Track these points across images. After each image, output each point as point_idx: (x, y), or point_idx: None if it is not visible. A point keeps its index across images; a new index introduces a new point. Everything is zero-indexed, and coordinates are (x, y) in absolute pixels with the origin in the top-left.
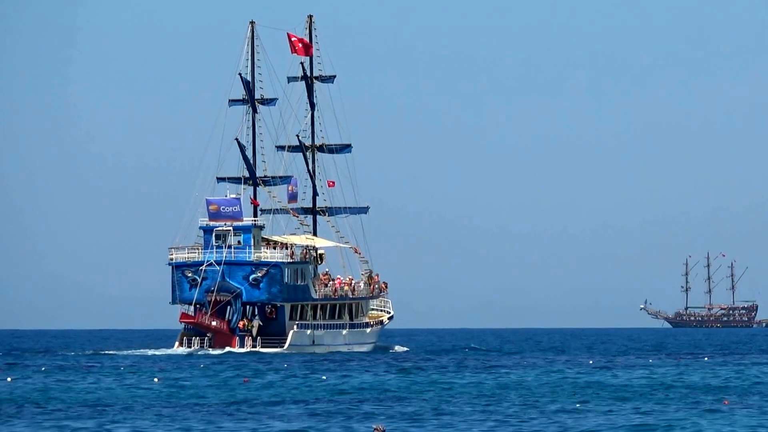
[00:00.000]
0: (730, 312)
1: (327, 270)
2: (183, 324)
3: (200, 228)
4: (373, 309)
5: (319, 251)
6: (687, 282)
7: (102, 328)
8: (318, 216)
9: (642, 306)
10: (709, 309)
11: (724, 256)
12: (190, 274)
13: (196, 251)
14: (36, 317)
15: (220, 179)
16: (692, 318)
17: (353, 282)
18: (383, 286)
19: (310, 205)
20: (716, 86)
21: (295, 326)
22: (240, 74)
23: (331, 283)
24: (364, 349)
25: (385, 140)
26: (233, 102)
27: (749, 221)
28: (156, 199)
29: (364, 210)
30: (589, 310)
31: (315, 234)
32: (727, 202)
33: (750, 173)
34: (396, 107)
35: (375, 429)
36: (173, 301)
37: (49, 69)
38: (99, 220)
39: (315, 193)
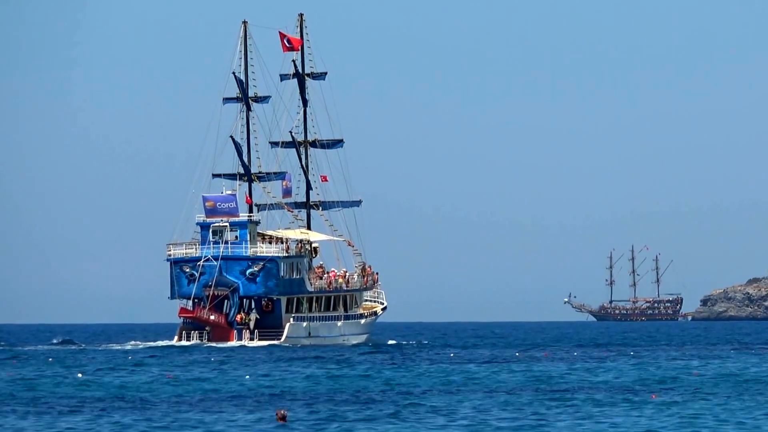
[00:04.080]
0: (655, 305)
1: (321, 263)
2: (182, 318)
3: (197, 224)
4: (366, 300)
5: (313, 245)
6: (611, 275)
7: (101, 323)
8: (312, 210)
9: (566, 300)
10: (633, 302)
11: (648, 249)
12: (188, 270)
13: (194, 247)
14: (32, 312)
15: (215, 175)
16: (617, 311)
17: (347, 274)
18: (376, 276)
19: (304, 200)
20: (646, 85)
21: (291, 319)
22: (234, 73)
23: (325, 275)
24: (360, 340)
25: (377, 135)
26: (227, 100)
27: (673, 215)
28: (153, 195)
29: (356, 203)
30: (510, 304)
31: (309, 228)
32: (651, 197)
33: (674, 169)
34: (387, 102)
35: (277, 412)
36: (172, 296)
37: (47, 66)
38: (97, 217)
39: (309, 188)
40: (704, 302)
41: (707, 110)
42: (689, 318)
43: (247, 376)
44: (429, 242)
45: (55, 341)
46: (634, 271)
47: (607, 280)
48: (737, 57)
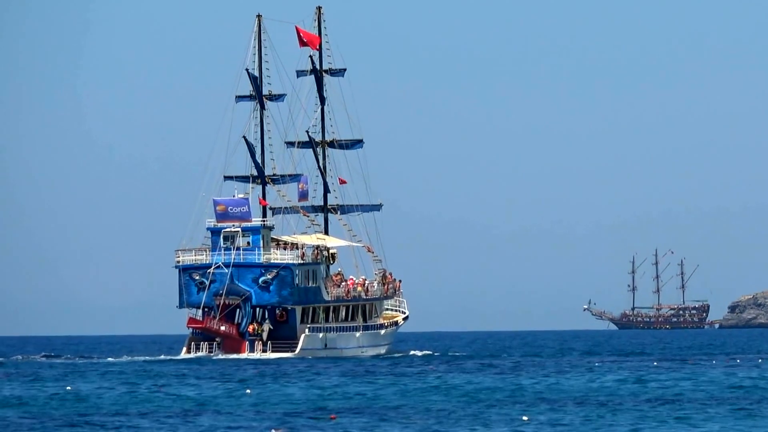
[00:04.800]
0: (680, 312)
1: (339, 270)
2: (190, 329)
3: (208, 229)
4: (387, 309)
5: (330, 251)
6: (633, 281)
7: (105, 335)
8: (329, 214)
9: (585, 306)
10: (657, 309)
11: (672, 253)
12: (197, 277)
13: (204, 253)
14: (35, 324)
15: (227, 178)
16: (639, 319)
17: (366, 282)
18: (397, 285)
19: (321, 203)
20: (669, 85)
21: (306, 329)
22: (247, 70)
23: (343, 284)
24: (379, 351)
25: (398, 135)
26: (240, 98)
27: (699, 218)
28: (161, 199)
29: (377, 207)
30: (525, 313)
31: (326, 233)
32: (677, 199)
33: (702, 168)
34: (409, 101)
35: None
36: (180, 305)
37: (54, 66)
38: (102, 222)
39: (326, 191)
40: (732, 309)
41: (737, 107)
42: (716, 326)
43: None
44: (447, 248)
45: (40, 355)
46: (657, 277)
47: (629, 286)
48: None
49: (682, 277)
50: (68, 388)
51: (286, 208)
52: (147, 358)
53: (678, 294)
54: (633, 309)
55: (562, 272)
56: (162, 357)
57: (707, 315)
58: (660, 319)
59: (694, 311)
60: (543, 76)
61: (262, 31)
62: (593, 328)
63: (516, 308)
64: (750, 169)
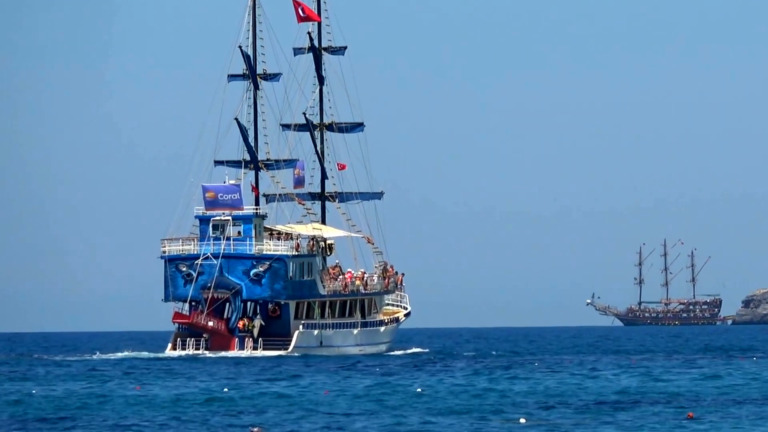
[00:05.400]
0: (691, 307)
1: (337, 262)
2: (176, 324)
3: (196, 217)
4: (388, 304)
5: (327, 242)
6: (641, 273)
7: (82, 331)
8: (327, 202)
9: (589, 301)
10: (666, 304)
11: (682, 243)
12: (184, 269)
13: (192, 243)
14: (10, 319)
15: (217, 163)
16: (647, 314)
17: (366, 275)
18: (399, 278)
19: (318, 191)
20: (672, 67)
21: (300, 326)
22: (240, 47)
23: (341, 277)
24: (379, 349)
25: (402, 118)
26: (232, 77)
27: (711, 206)
28: (146, 185)
29: (378, 195)
30: (522, 307)
31: (323, 222)
32: (687, 185)
33: (713, 153)
34: (413, 81)
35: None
36: (166, 299)
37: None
38: (82, 209)
39: (324, 177)
40: (746, 304)
41: (757, 90)
42: (729, 322)
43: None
44: (452, 239)
45: None
46: (666, 269)
47: (635, 279)
48: None
49: (692, 270)
50: (33, 391)
51: (280, 195)
52: (128, 353)
53: (688, 287)
54: (640, 304)
55: (563, 264)
56: (145, 354)
57: (719, 310)
58: (669, 315)
59: (705, 306)
60: (553, 56)
61: (256, 5)
62: (597, 324)
63: (513, 303)
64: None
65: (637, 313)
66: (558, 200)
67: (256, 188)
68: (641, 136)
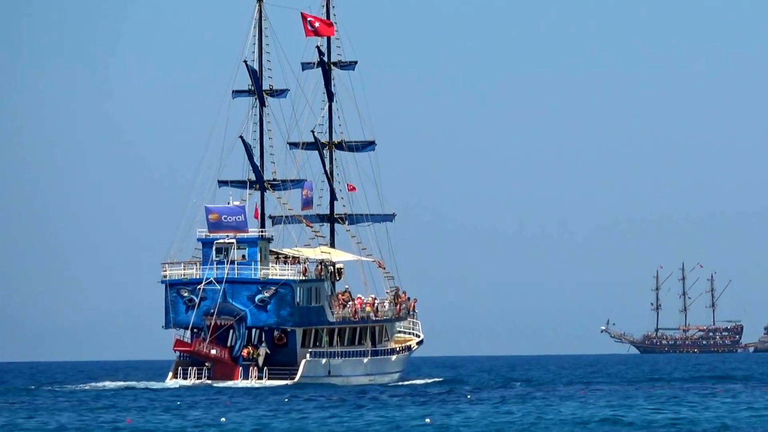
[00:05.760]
0: (710, 334)
1: (346, 288)
2: (177, 353)
3: (198, 240)
4: (399, 332)
5: (337, 266)
6: (657, 298)
7: (79, 360)
8: (336, 224)
9: (603, 328)
10: (684, 331)
11: (701, 267)
12: (186, 294)
13: (194, 267)
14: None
15: (221, 183)
16: (664, 341)
17: (376, 301)
18: (412, 304)
19: (327, 212)
20: (695, 84)
21: (308, 354)
22: (245, 61)
23: (350, 303)
24: (389, 379)
25: (415, 136)
26: (237, 93)
27: (732, 227)
28: (147, 205)
29: (389, 217)
30: (532, 333)
31: (332, 246)
32: (707, 205)
33: (735, 169)
34: (427, 98)
35: None
36: (166, 326)
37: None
38: (80, 231)
39: (333, 198)
40: None
41: None
42: (751, 349)
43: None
44: (463, 262)
45: None
46: (684, 294)
47: (652, 304)
48: None
49: (712, 294)
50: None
51: (287, 217)
52: (128, 383)
53: (708, 313)
54: (657, 330)
55: (575, 288)
56: (144, 384)
57: (741, 337)
58: (687, 342)
59: (726, 333)
60: (566, 71)
61: (262, 18)
62: (611, 351)
63: (520, 329)
64: None
65: (654, 341)
66: (570, 223)
67: (261, 210)
68: (659, 155)
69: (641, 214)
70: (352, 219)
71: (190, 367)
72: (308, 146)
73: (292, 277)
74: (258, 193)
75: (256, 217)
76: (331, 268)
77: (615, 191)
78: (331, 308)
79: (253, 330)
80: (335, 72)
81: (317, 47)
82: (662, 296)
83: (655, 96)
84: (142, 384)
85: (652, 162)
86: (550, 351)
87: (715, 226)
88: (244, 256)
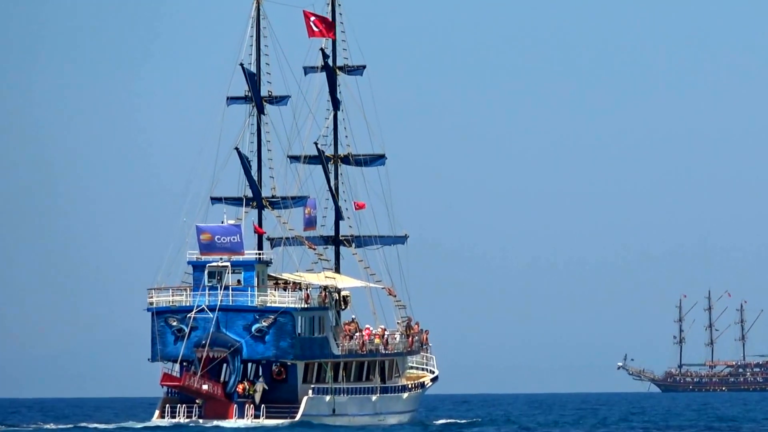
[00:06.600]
0: (740, 371)
1: (353, 317)
2: (165, 388)
3: (189, 263)
4: (411, 367)
5: (342, 293)
6: (681, 331)
7: (59, 397)
8: (342, 247)
9: (620, 364)
10: (711, 367)
11: (730, 296)
12: (175, 323)
13: (183, 293)
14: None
15: (214, 200)
16: (689, 379)
17: (386, 333)
18: (425, 336)
19: (332, 233)
20: (722, 110)
21: (310, 391)
22: (241, 64)
23: (357, 334)
24: (401, 419)
25: (429, 150)
26: (233, 100)
27: (763, 252)
28: (132, 225)
29: (401, 239)
30: (543, 369)
31: (337, 270)
32: (735, 229)
33: (762, 197)
34: (441, 107)
35: None
36: (153, 358)
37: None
38: (58, 252)
39: (338, 218)
40: None
41: None
42: None
43: None
44: (483, 291)
45: None
46: (711, 326)
47: (675, 338)
48: None
49: (741, 326)
50: None
51: (287, 238)
52: (107, 426)
53: (737, 347)
54: (680, 367)
55: (590, 320)
56: (130, 423)
57: None
58: (714, 380)
59: (758, 369)
60: (587, 97)
61: (261, 17)
62: (629, 390)
63: (527, 365)
64: None
65: (678, 378)
66: (586, 250)
67: (259, 229)
68: (682, 176)
69: (663, 242)
70: (360, 241)
71: (178, 405)
72: (311, 160)
73: (292, 305)
74: (255, 212)
75: (258, 232)
76: (336, 295)
77: (633, 219)
78: (335, 340)
79: (249, 363)
80: (341, 77)
81: (321, 50)
82: (686, 328)
83: (676, 123)
84: (128, 423)
85: (680, 187)
86: (555, 389)
87: (744, 251)
88: (239, 281)
